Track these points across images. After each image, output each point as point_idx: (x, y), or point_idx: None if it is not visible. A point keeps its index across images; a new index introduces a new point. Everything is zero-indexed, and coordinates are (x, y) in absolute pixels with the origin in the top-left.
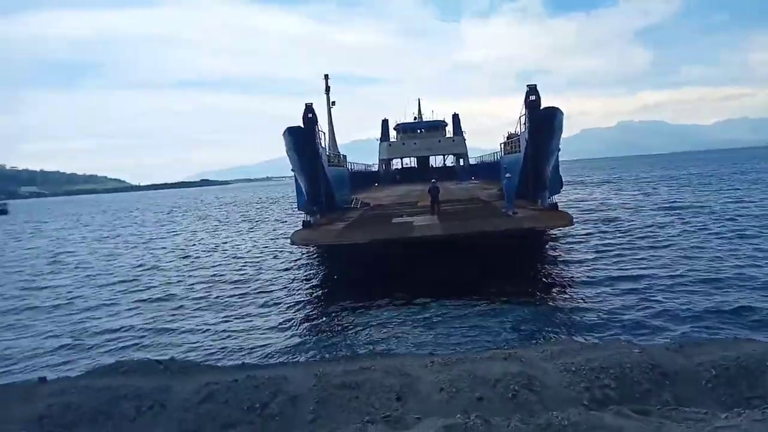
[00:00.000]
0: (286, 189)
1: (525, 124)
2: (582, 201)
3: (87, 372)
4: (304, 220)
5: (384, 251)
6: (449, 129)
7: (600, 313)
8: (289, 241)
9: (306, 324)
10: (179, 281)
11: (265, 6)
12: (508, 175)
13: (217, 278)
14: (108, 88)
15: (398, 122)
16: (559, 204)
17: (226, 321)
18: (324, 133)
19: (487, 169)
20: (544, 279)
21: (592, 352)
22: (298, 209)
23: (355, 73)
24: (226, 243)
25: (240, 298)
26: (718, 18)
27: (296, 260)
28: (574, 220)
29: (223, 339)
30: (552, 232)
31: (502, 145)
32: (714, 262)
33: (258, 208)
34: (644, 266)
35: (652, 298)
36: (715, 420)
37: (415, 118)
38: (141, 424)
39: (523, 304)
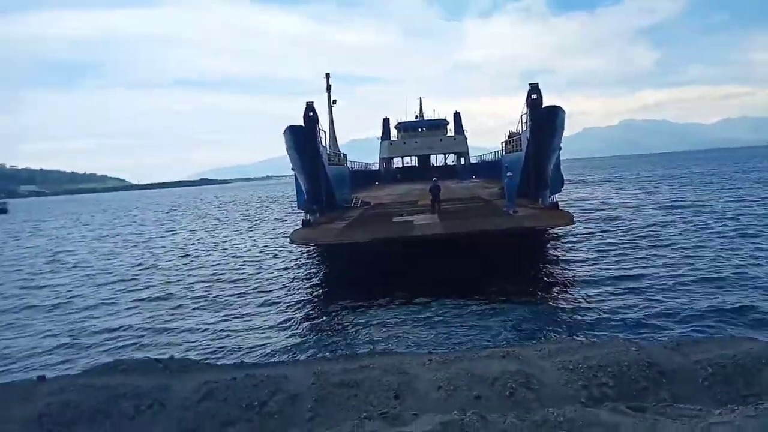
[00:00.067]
0: (286, 188)
1: (527, 122)
2: (583, 200)
3: (86, 371)
4: (303, 219)
5: (384, 250)
6: (450, 128)
7: (600, 312)
8: (288, 240)
9: (305, 323)
10: (178, 280)
11: (265, 6)
12: (509, 173)
13: (216, 277)
14: (108, 87)
15: (399, 121)
16: (560, 203)
17: (225, 320)
18: (325, 132)
19: (489, 168)
20: (544, 278)
21: (590, 351)
22: (298, 208)
23: (355, 73)
24: (225, 242)
25: (239, 297)
26: (718, 18)
27: (296, 259)
28: (575, 219)
29: (223, 338)
30: (553, 231)
31: (504, 144)
32: (715, 262)
33: (258, 207)
34: (645, 265)
35: (653, 298)
36: (709, 416)
37: (416, 117)
38: (140, 422)
39: (523, 303)
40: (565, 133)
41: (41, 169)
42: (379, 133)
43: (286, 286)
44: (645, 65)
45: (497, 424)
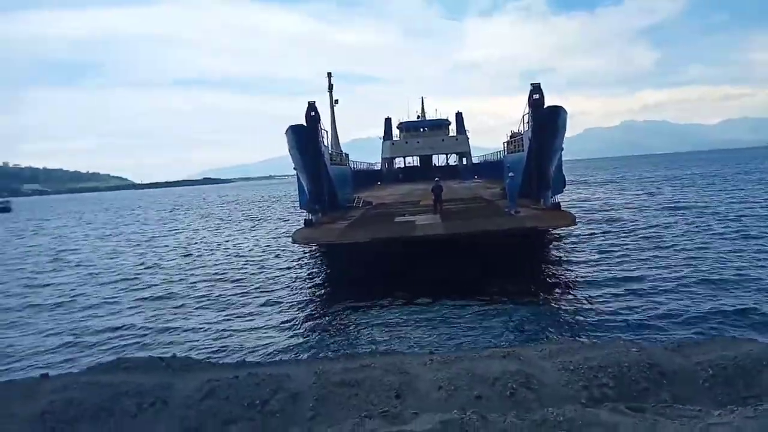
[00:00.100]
0: (288, 187)
1: (528, 123)
2: (585, 201)
3: (89, 368)
4: (306, 219)
5: (386, 250)
6: (452, 128)
7: (601, 314)
8: (290, 239)
9: (307, 323)
10: (181, 279)
11: (265, 4)
12: (511, 174)
13: (218, 277)
14: (108, 87)
15: (401, 121)
16: (562, 204)
17: (227, 319)
18: (327, 132)
19: (491, 168)
20: (546, 279)
21: (590, 351)
22: (300, 208)
23: (356, 72)
24: (228, 241)
25: (242, 296)
26: (718, 18)
27: (298, 259)
28: (577, 220)
29: (225, 337)
30: (555, 231)
31: (505, 144)
32: (718, 263)
33: (260, 207)
34: (647, 267)
35: (655, 299)
36: (708, 417)
37: (418, 117)
38: (143, 420)
39: (524, 304)
40: (567, 134)
41: (44, 168)
42: (381, 133)
43: (288, 286)
44: (645, 65)
45: (497, 424)
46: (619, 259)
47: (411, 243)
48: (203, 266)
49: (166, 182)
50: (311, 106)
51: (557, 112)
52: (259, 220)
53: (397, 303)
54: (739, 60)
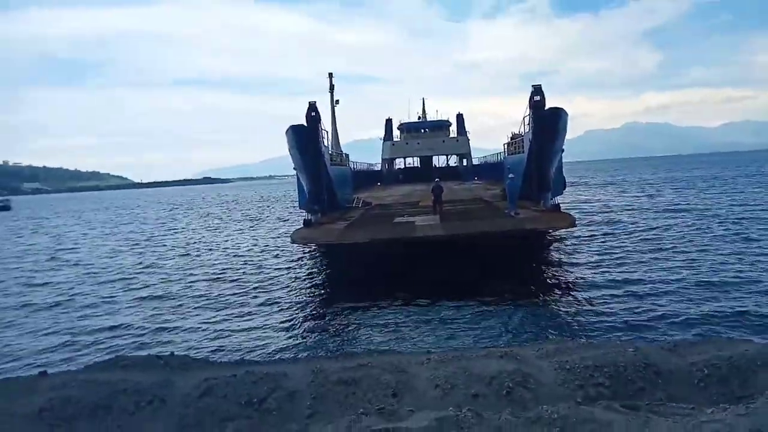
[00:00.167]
0: (288, 187)
1: (529, 124)
2: (585, 202)
3: (87, 367)
4: (305, 219)
5: (385, 251)
6: (453, 129)
7: (600, 315)
8: (289, 239)
9: (305, 323)
10: (179, 279)
11: (265, 4)
12: (511, 175)
13: (217, 276)
14: (108, 87)
15: (402, 121)
16: (562, 205)
17: (226, 319)
18: (327, 132)
19: (491, 170)
20: (544, 280)
21: (587, 351)
22: (300, 208)
23: (356, 72)
24: (227, 241)
25: (240, 296)
26: (720, 20)
27: (297, 259)
28: (577, 221)
29: (223, 336)
30: (554, 233)
31: (506, 146)
32: (717, 265)
33: (259, 207)
34: (646, 269)
35: (653, 301)
36: (701, 415)
37: (419, 118)
38: (141, 418)
39: (522, 305)
40: (568, 136)
41: (44, 167)
42: (381, 133)
43: (286, 286)
44: (648, 68)
45: (492, 421)
46: (618, 261)
47: (410, 244)
48: (202, 266)
49: (166, 181)
50: (312, 106)
51: (558, 114)
52: (258, 219)
53: (396, 303)
54: (741, 63)
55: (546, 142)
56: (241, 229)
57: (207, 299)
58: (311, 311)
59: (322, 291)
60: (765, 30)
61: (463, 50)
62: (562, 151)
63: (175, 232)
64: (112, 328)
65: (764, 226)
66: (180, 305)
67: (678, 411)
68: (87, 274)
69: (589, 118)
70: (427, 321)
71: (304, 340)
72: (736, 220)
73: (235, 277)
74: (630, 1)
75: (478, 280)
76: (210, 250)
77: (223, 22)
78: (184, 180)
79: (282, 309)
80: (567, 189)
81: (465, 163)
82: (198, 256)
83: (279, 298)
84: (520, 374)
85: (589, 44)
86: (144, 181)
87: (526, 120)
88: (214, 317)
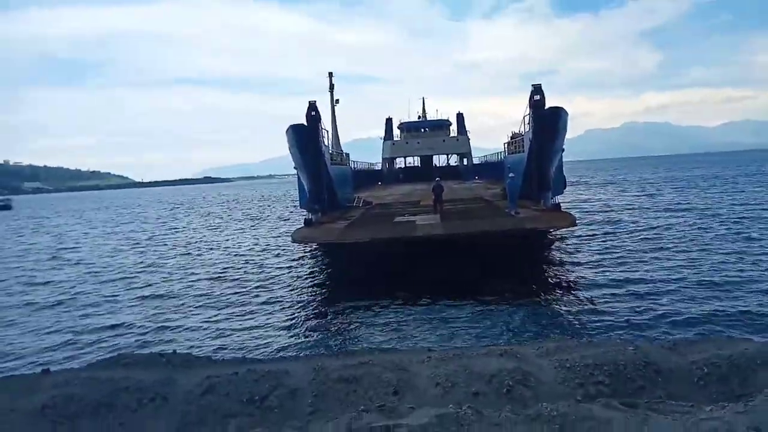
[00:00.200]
0: (288, 187)
1: (529, 123)
2: (586, 202)
3: (89, 365)
4: (305, 218)
5: (386, 250)
6: (453, 128)
7: (600, 314)
8: (290, 239)
9: (307, 321)
10: (181, 278)
11: (265, 5)
12: (511, 174)
13: (218, 275)
14: (108, 86)
15: (402, 121)
16: (562, 205)
17: (227, 318)
18: (327, 131)
19: (491, 169)
20: (545, 279)
21: (587, 350)
22: (300, 207)
23: (356, 72)
24: (228, 240)
25: (242, 295)
26: (720, 20)
27: (298, 258)
28: (577, 221)
29: (225, 335)
30: (555, 232)
31: (506, 145)
32: (718, 265)
33: (260, 206)
34: (646, 268)
35: (653, 300)
36: (699, 412)
37: (419, 117)
38: (143, 415)
39: (523, 304)
40: (568, 135)
41: (45, 166)
42: (382, 133)
43: (287, 285)
44: (647, 67)
45: (492, 418)
46: (618, 260)
47: (411, 243)
48: (203, 265)
49: (166, 181)
50: (312, 106)
51: (558, 113)
52: (259, 219)
53: (397, 302)
54: (741, 62)
55: (546, 141)
56: (241, 229)
57: (208, 298)
58: (312, 310)
59: (323, 290)
60: (765, 30)
61: (463, 50)
62: (563, 150)
63: (176, 232)
64: (114, 326)
65: (765, 226)
66: (182, 304)
67: (677, 409)
68: (89, 273)
69: (589, 117)
70: (428, 320)
71: (306, 338)
72: (736, 220)
73: (237, 276)
74: (630, 1)
75: (478, 279)
76: (211, 249)
77: (223, 22)
78: (185, 179)
79: (283, 308)
80: (567, 188)
81: (465, 163)
82: (199, 255)
83: (280, 297)
84: (521, 372)
85: (588, 44)
86: (145, 180)
87: (527, 119)
88: (215, 316)
